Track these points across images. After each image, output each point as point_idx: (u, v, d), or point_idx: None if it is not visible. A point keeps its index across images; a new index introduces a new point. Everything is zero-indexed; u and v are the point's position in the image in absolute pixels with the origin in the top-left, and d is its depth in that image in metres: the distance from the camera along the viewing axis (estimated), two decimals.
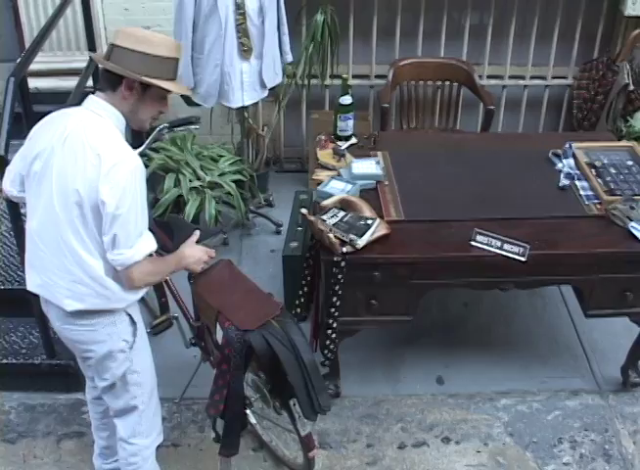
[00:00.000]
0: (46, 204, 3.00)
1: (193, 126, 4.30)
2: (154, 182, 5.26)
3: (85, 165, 2.90)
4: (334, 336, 3.99)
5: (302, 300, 4.24)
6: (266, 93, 5.17)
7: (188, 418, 4.29)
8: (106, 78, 3.02)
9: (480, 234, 3.83)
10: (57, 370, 4.35)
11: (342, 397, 4.38)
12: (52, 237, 3.02)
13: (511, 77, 6.17)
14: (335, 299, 3.85)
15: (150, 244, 3.05)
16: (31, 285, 3.20)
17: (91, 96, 3.06)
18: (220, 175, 5.19)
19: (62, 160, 2.94)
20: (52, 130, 3.02)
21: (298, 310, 4.24)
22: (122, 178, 2.90)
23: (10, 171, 3.24)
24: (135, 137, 5.65)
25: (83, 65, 5.17)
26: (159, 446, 3.70)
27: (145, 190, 3.03)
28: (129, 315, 3.25)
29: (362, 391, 4.46)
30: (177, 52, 3.07)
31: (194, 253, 3.31)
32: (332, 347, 4.03)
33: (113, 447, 3.71)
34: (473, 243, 3.83)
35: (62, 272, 3.06)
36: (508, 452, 4.17)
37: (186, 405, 4.34)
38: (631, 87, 5.73)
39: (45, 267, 3.09)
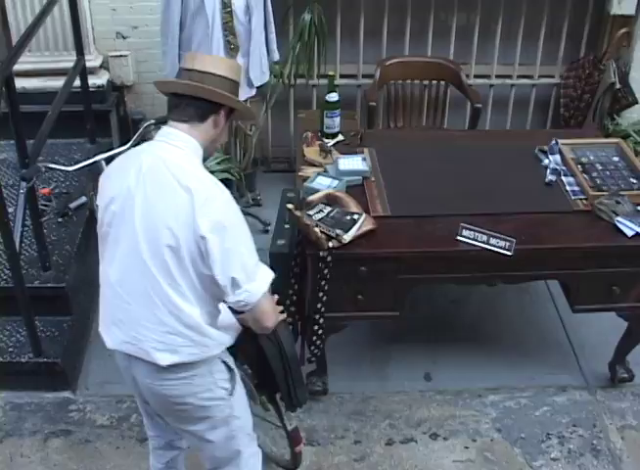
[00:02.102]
0: (129, 251, 2.77)
1: None
2: None
3: (176, 201, 2.69)
4: (320, 332, 4.00)
5: (294, 298, 4.21)
6: (254, 92, 5.17)
7: None
8: (196, 108, 2.80)
9: (467, 229, 3.83)
10: (44, 369, 4.34)
11: (330, 393, 4.37)
12: (139, 287, 2.79)
13: (498, 77, 6.17)
14: (321, 294, 3.85)
15: (269, 271, 2.90)
16: (114, 342, 2.94)
17: (166, 128, 2.84)
18: None
19: (145, 200, 2.73)
20: (125, 172, 2.81)
21: (292, 309, 4.19)
22: (219, 211, 2.72)
23: None
24: (122, 131, 5.70)
25: (70, 65, 5.19)
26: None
27: (243, 218, 2.85)
28: (225, 362, 3.03)
29: (350, 387, 4.46)
30: None
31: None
32: (318, 342, 4.03)
33: None
34: (459, 238, 3.84)
35: (153, 324, 2.81)
36: (496, 448, 4.17)
37: None
38: (617, 86, 5.75)
39: (133, 321, 2.84)
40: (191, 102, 2.79)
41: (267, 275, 2.88)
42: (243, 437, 3.22)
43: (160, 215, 2.70)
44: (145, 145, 2.92)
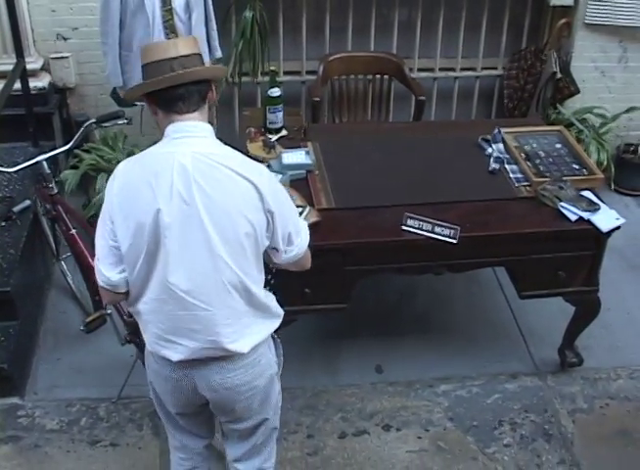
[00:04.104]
0: (200, 253, 2.71)
1: (120, 121, 4.28)
2: (86, 183, 5.22)
3: (240, 190, 2.71)
4: None
5: None
6: None
7: (126, 417, 4.24)
8: (198, 92, 2.75)
9: (411, 218, 3.84)
10: None
11: (281, 389, 4.34)
12: (213, 287, 2.76)
13: (441, 70, 6.21)
14: (267, 288, 3.82)
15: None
16: (184, 354, 2.84)
17: (178, 124, 2.75)
18: None
19: (207, 199, 2.68)
20: (161, 179, 2.68)
21: None
22: (272, 181, 2.84)
23: (105, 257, 2.83)
24: (65, 134, 5.64)
25: (10, 67, 5.13)
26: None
27: None
28: (274, 338, 3.08)
29: (301, 382, 4.43)
30: None
31: None
32: None
33: None
34: (404, 227, 3.85)
35: (232, 319, 2.81)
36: (449, 437, 4.19)
37: (124, 404, 4.29)
38: (559, 76, 5.81)
39: (211, 325, 2.79)
40: (192, 88, 2.73)
41: (304, 222, 3.07)
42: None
43: (231, 208, 2.71)
44: (165, 145, 2.78)
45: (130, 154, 5.24)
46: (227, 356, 2.86)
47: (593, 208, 4.00)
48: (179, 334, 2.82)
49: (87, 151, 5.20)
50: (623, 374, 4.58)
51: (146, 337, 2.95)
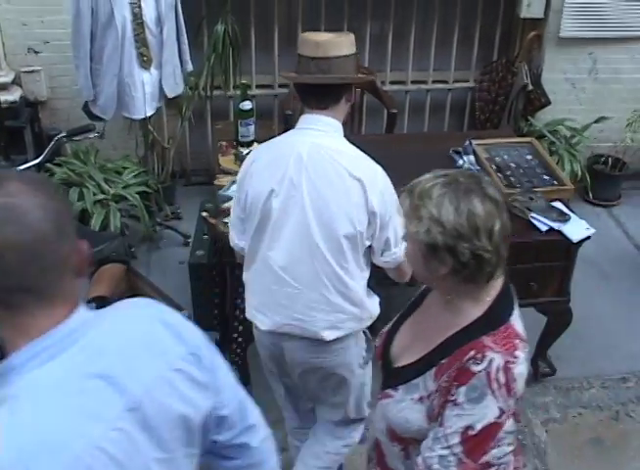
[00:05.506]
0: (298, 237, 2.90)
1: (91, 134, 4.26)
2: None
3: (349, 193, 2.86)
4: (240, 339, 3.97)
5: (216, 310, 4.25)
6: (162, 102, 5.14)
7: None
8: (331, 94, 2.96)
9: None
10: None
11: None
12: (308, 271, 2.93)
13: (413, 83, 6.25)
14: (239, 301, 3.82)
15: None
16: (271, 325, 3.05)
17: (308, 116, 3.00)
18: (125, 187, 5.13)
19: (313, 188, 2.87)
20: (280, 162, 2.93)
21: (215, 322, 4.26)
22: (382, 184, 2.93)
23: (234, 225, 3.13)
24: (37, 148, 5.61)
25: None
26: None
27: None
28: (365, 333, 3.19)
29: (274, 395, 4.40)
30: None
31: None
32: (239, 350, 4.01)
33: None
34: None
35: (321, 305, 2.96)
36: None
37: None
38: (530, 87, 5.85)
39: (299, 304, 2.97)
40: (326, 90, 2.95)
41: None
42: (366, 404, 3.39)
43: (334, 204, 2.87)
44: (293, 134, 3.05)
45: (102, 167, 5.23)
46: (311, 338, 3.02)
47: (563, 218, 4.01)
48: (269, 307, 3.03)
49: (59, 165, 5.17)
50: (596, 384, 4.61)
51: (246, 305, 3.17)
